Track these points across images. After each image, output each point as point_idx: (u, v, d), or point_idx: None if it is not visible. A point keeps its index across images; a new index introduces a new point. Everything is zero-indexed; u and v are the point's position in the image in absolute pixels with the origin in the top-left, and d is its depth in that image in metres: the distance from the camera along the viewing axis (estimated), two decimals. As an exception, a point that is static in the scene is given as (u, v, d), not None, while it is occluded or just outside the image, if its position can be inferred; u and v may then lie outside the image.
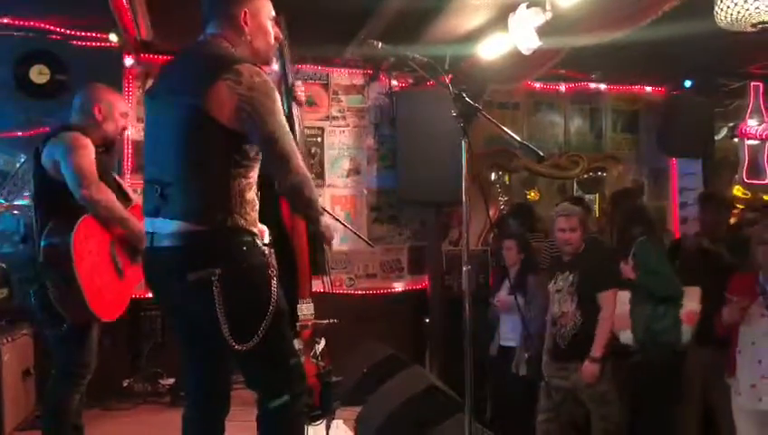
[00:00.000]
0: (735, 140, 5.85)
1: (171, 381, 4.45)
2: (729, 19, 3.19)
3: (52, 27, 4.56)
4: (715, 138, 5.93)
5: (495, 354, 4.15)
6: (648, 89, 6.09)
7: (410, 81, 5.37)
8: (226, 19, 2.14)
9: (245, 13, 2.14)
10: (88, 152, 2.69)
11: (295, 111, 2.88)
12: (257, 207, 2.09)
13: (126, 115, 2.98)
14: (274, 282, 2.06)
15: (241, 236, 2.01)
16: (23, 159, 5.15)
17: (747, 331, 3.00)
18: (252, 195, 2.06)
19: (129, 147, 4.73)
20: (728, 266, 3.43)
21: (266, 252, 2.08)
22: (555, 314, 3.52)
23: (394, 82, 5.35)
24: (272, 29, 2.22)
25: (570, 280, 3.49)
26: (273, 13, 2.24)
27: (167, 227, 2.00)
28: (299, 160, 2.05)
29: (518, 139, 2.12)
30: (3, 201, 5.01)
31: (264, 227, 2.19)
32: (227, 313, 1.95)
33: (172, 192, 1.99)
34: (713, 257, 3.62)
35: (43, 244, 2.64)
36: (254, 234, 2.06)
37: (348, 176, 5.30)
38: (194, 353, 2.23)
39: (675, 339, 3.41)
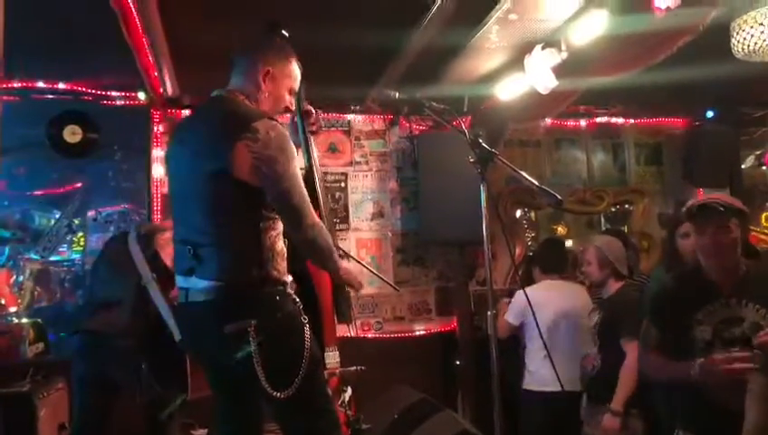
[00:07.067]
0: (764, 168, 5.77)
1: (203, 432, 4.43)
2: (747, 50, 3.18)
3: (83, 89, 4.73)
4: (742, 166, 5.86)
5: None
6: (670, 120, 6.05)
7: (430, 124, 5.43)
8: (249, 72, 2.17)
9: (268, 72, 2.17)
10: None
11: (312, 142, 2.69)
12: (286, 255, 2.12)
13: None
14: (307, 329, 2.08)
15: (274, 286, 2.04)
16: (57, 216, 5.30)
17: None
18: (281, 245, 2.09)
19: (159, 202, 4.85)
20: None
21: (297, 300, 2.10)
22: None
23: (414, 126, 5.42)
24: (287, 99, 2.23)
25: (595, 320, 3.38)
26: (296, 86, 2.24)
27: (201, 283, 2.03)
28: (312, 214, 2.06)
29: (536, 183, 2.09)
30: (38, 257, 5.14)
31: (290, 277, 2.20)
32: (265, 362, 1.97)
33: (205, 254, 2.03)
34: None
35: None
36: (285, 283, 2.09)
37: (372, 219, 5.33)
38: (229, 406, 2.23)
39: None
